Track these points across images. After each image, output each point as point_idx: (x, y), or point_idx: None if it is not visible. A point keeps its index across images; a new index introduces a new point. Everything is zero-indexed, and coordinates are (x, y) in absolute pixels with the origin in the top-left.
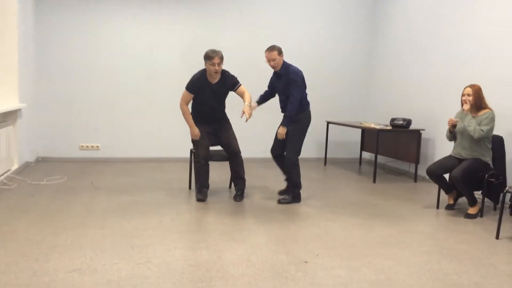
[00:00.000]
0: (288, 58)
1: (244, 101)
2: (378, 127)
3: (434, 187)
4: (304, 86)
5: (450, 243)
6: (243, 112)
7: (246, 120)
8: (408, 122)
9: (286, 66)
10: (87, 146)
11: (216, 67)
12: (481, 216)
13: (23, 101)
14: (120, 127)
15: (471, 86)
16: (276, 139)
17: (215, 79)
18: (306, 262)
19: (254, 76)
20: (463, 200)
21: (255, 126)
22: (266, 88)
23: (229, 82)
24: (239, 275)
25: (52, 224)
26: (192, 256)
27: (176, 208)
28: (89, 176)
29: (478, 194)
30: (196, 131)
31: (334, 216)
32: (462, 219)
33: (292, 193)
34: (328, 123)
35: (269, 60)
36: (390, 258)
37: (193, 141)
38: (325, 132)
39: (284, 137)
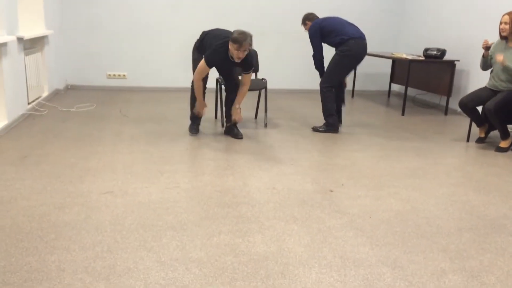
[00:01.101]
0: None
1: (235, 102)
2: (409, 57)
3: (465, 120)
4: (314, 35)
5: (479, 175)
6: (232, 116)
7: (235, 124)
8: (443, 52)
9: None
10: (114, 75)
11: (241, 55)
12: None
13: (49, 27)
14: (146, 56)
15: (509, 13)
16: None
17: (235, 59)
18: (331, 191)
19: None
20: (494, 133)
21: (280, 55)
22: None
23: (247, 63)
24: (264, 201)
25: (84, 148)
26: (219, 182)
27: (202, 136)
28: (117, 104)
29: (511, 127)
30: (202, 109)
31: (361, 147)
32: (493, 153)
33: (325, 121)
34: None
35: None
36: (417, 189)
37: (194, 64)
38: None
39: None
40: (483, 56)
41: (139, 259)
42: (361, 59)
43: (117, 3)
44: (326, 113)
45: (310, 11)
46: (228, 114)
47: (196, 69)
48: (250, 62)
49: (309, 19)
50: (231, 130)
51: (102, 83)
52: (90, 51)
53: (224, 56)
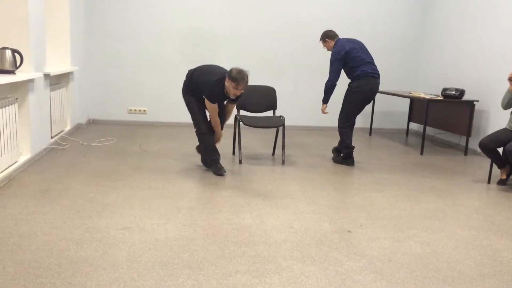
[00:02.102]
0: (337, 26)
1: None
2: (428, 97)
3: (486, 161)
4: (338, 60)
5: (501, 218)
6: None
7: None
8: (461, 92)
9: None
10: (135, 110)
11: (238, 93)
12: None
13: (75, 64)
14: (166, 92)
15: None
16: None
17: (231, 96)
18: (349, 231)
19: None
20: None
21: (297, 92)
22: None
23: (238, 98)
24: (281, 240)
25: (104, 183)
26: (235, 220)
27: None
28: (137, 139)
29: None
30: (221, 135)
31: (379, 187)
32: None
33: (343, 152)
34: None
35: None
36: (437, 232)
37: (190, 110)
38: (372, 101)
39: (326, 113)
40: (509, 90)
41: None
42: (371, 97)
43: (139, 38)
44: (343, 145)
45: None
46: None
47: (210, 110)
48: (240, 97)
49: (329, 37)
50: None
51: (123, 118)
52: (112, 86)
53: (222, 91)
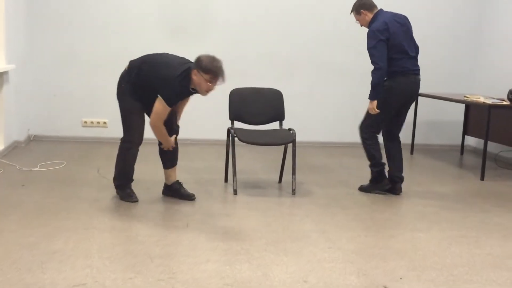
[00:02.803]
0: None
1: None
2: (489, 101)
3: None
4: (381, 42)
5: None
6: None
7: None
8: None
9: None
10: (92, 123)
11: (212, 89)
12: None
13: (11, 61)
14: None
15: None
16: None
17: (201, 94)
18: (385, 287)
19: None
20: None
21: (314, 96)
22: None
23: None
24: None
25: (49, 223)
26: (229, 273)
27: (207, 206)
28: (94, 162)
29: None
30: (171, 142)
31: (425, 224)
32: None
33: (371, 173)
34: (417, 95)
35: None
36: (506, 286)
37: (126, 119)
38: (413, 108)
39: (372, 112)
40: None
41: None
42: (410, 101)
43: (97, 30)
44: (372, 162)
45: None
46: (167, 159)
47: (156, 114)
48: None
49: (365, 7)
50: (176, 189)
51: (76, 133)
52: (62, 91)
53: (186, 90)
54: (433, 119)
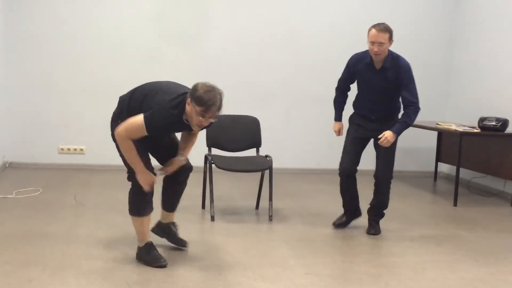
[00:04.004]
0: (341, 37)
1: (182, 150)
2: (461, 129)
3: None
4: None
5: None
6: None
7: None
8: (504, 123)
9: (394, 57)
10: (69, 149)
11: (205, 124)
12: None
13: None
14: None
15: None
16: (349, 151)
17: (193, 128)
18: None
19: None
20: None
21: (290, 124)
22: (335, 85)
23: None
24: None
25: (24, 250)
26: None
27: (184, 233)
28: (70, 188)
29: None
30: (151, 177)
31: (400, 250)
32: None
33: (378, 220)
34: None
35: (373, 43)
36: None
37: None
38: None
39: (388, 144)
40: None
41: None
42: None
43: (76, 57)
44: (386, 206)
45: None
46: (168, 199)
47: (125, 126)
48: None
49: (392, 37)
50: (169, 232)
51: (52, 160)
52: (38, 117)
53: (177, 120)
54: (407, 146)
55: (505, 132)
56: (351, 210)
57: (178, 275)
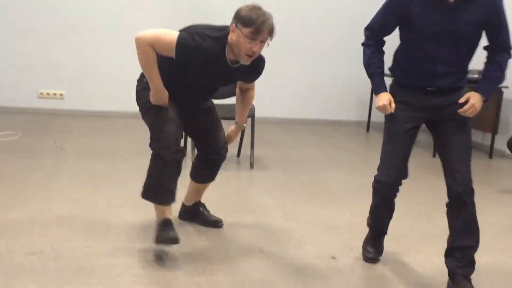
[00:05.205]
0: None
1: (238, 116)
2: None
3: None
4: None
5: None
6: (230, 136)
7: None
8: None
9: None
10: (48, 94)
11: (257, 50)
12: None
13: None
14: (91, 70)
15: None
16: (395, 151)
17: (241, 60)
18: (334, 258)
19: None
20: None
21: (273, 73)
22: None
23: (252, 74)
24: (248, 269)
25: (4, 194)
26: (186, 242)
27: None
28: (50, 134)
29: None
30: (165, 94)
31: None
32: None
33: (470, 262)
34: None
35: None
36: None
37: (151, 113)
38: (369, 86)
39: (475, 114)
40: None
41: None
42: None
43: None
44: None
45: (321, 14)
46: (204, 167)
47: (156, 31)
48: (263, 65)
49: None
50: (198, 212)
51: (32, 104)
52: (16, 60)
53: (218, 56)
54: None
55: None
56: (383, 231)
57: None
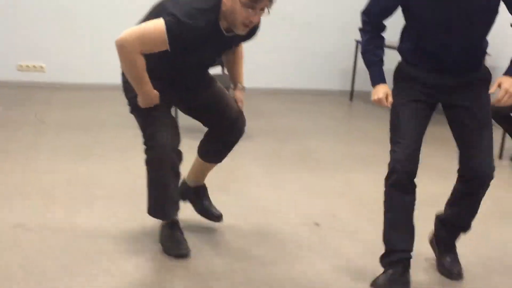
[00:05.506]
0: None
1: (235, 77)
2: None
3: (497, 131)
4: None
5: None
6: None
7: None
8: None
9: None
10: (28, 66)
11: (256, 20)
12: None
13: None
14: (73, 42)
15: None
16: (408, 133)
17: (237, 30)
18: (317, 224)
19: None
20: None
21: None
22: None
23: (247, 37)
24: (233, 238)
25: None
26: None
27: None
28: (31, 107)
29: None
30: (156, 97)
31: (361, 166)
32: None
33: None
34: (357, 42)
35: None
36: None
37: (142, 112)
38: (353, 54)
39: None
40: None
41: None
42: None
43: None
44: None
45: None
46: (216, 145)
47: (140, 30)
48: (258, 28)
49: None
50: (196, 199)
51: (11, 77)
52: None
53: (211, 28)
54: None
55: None
56: (402, 254)
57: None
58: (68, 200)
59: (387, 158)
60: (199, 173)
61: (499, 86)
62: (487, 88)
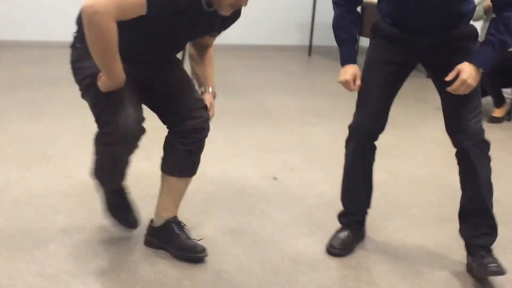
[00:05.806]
0: None
1: (205, 80)
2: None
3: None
4: None
5: None
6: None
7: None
8: None
9: None
10: None
11: (243, 1)
12: (509, 119)
13: None
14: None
15: None
16: (373, 93)
17: (221, 10)
18: (275, 178)
19: None
20: (487, 100)
21: None
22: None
23: (229, 22)
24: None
25: None
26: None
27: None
28: None
29: (507, 92)
30: (122, 79)
31: (318, 119)
32: (485, 124)
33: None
34: None
35: None
36: (390, 172)
37: (97, 94)
38: (311, 9)
39: (469, 91)
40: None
41: (16, 273)
42: None
43: None
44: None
45: None
46: (174, 156)
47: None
48: (240, 11)
49: None
50: (175, 236)
51: None
52: None
53: (194, 3)
54: (330, 20)
55: None
56: (359, 216)
57: None
58: (20, 159)
59: (344, 111)
60: (170, 200)
61: (458, 74)
62: (474, 44)
